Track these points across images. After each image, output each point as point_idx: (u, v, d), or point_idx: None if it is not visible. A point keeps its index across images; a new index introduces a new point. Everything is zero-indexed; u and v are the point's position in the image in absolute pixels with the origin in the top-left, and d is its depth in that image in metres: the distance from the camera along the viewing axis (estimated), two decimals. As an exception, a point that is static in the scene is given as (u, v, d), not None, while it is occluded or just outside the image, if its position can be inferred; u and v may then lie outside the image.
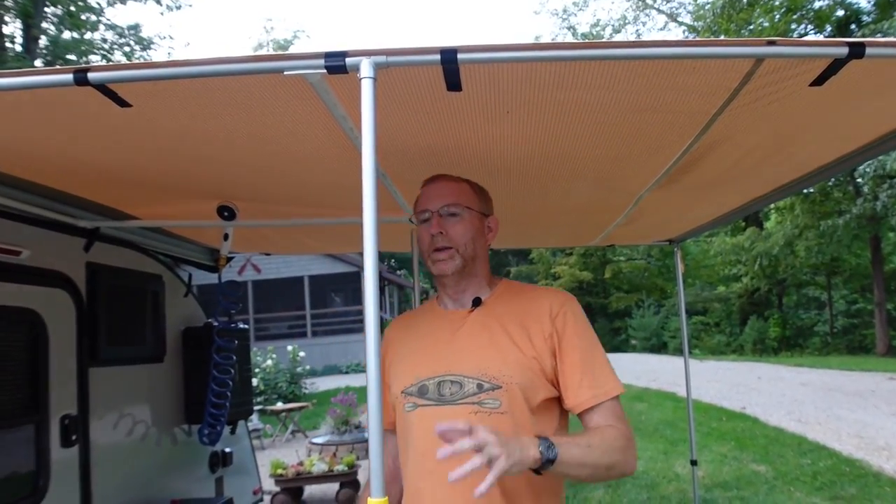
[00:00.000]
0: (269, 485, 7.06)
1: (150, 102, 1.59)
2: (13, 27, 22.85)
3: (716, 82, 1.53)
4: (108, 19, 27.03)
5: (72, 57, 23.58)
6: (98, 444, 2.87)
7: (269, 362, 15.14)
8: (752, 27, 22.72)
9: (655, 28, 32.87)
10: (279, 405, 12.57)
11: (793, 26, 22.40)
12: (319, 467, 7.17)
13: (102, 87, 1.43)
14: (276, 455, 8.72)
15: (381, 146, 2.00)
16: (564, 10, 35.82)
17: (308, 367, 16.90)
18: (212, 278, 3.74)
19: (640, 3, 32.17)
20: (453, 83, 1.43)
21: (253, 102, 1.62)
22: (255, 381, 14.20)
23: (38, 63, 22.20)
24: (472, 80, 1.47)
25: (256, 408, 12.22)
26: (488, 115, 1.72)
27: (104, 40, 26.13)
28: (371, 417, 1.21)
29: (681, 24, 30.92)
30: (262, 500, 4.62)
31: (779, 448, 8.54)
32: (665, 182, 2.51)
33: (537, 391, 1.66)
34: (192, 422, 3.64)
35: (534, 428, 1.62)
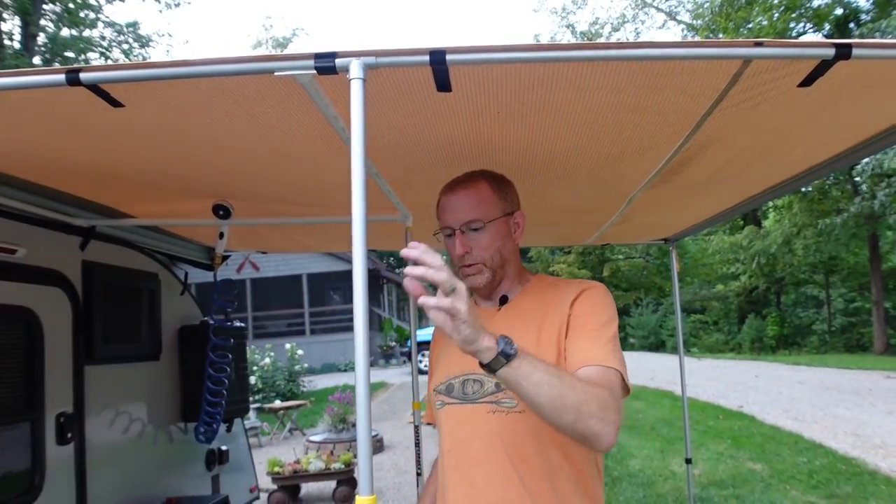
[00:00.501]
0: (266, 483, 7.08)
1: (143, 102, 1.60)
2: (11, 24, 22.86)
3: (704, 83, 1.54)
4: (107, 16, 27.01)
5: (70, 54, 23.60)
6: (94, 442, 2.87)
7: (268, 360, 15.14)
8: (750, 25, 22.74)
9: (654, 26, 32.97)
10: (277, 403, 12.58)
11: (791, 25, 22.41)
12: (316, 465, 7.18)
13: (94, 88, 1.44)
14: (273, 453, 8.73)
15: (374, 146, 2.02)
16: (563, 9, 35.80)
17: (306, 366, 16.91)
18: (209, 276, 3.75)
19: (640, 1, 32.19)
20: (443, 84, 1.44)
21: (246, 102, 1.62)
22: (253, 380, 14.22)
23: (36, 60, 22.20)
24: (461, 81, 1.48)
25: (254, 406, 12.24)
26: (479, 115, 1.73)
27: (103, 38, 26.15)
28: (359, 415, 1.22)
29: (680, 22, 30.95)
30: (258, 497, 4.63)
31: (775, 446, 8.56)
32: (658, 181, 2.52)
33: None
34: (188, 420, 3.64)
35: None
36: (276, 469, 7.18)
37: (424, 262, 1.19)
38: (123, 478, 3.12)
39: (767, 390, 13.53)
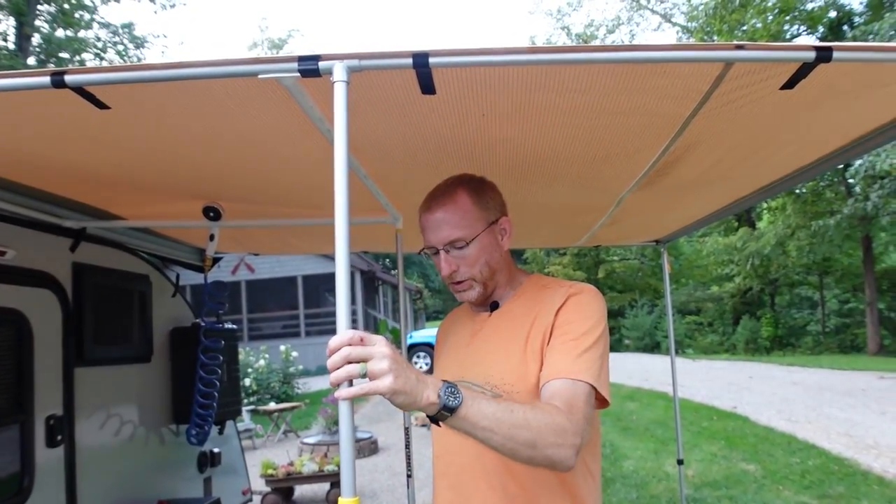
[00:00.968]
0: (259, 485, 7.07)
1: (129, 104, 1.60)
2: (6, 25, 22.83)
3: (688, 85, 1.54)
4: (102, 17, 27.01)
5: (65, 55, 23.58)
6: (84, 444, 2.87)
7: (262, 362, 15.11)
8: (745, 28, 22.81)
9: (650, 29, 33.03)
10: (271, 405, 12.55)
11: (785, 27, 22.49)
12: (310, 467, 7.17)
13: (80, 90, 1.44)
14: (267, 455, 8.72)
15: (362, 148, 2.03)
16: (559, 11, 35.92)
17: (301, 367, 16.88)
18: (202, 278, 3.75)
19: (635, 3, 32.26)
20: (427, 86, 1.45)
21: (233, 105, 1.63)
22: (247, 382, 14.18)
23: (31, 61, 22.16)
24: (446, 84, 1.48)
25: (248, 408, 12.21)
26: (465, 117, 1.73)
27: (98, 38, 26.11)
28: (342, 420, 1.22)
29: (675, 24, 31.03)
30: (251, 500, 4.62)
31: (768, 447, 8.58)
32: (646, 183, 2.53)
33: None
34: (179, 422, 3.64)
35: None
36: (270, 471, 7.17)
37: (333, 366, 1.19)
38: (114, 480, 3.11)
39: (761, 391, 13.56)
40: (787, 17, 22.46)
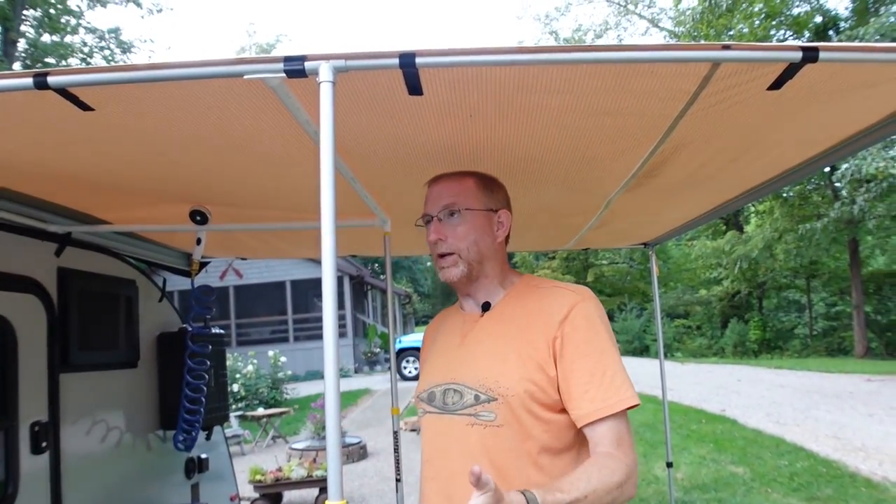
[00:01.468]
0: (248, 491, 7.03)
1: (114, 106, 1.58)
2: (-9, 30, 22.66)
3: (675, 86, 1.54)
4: (88, 22, 26.87)
5: (51, 60, 23.43)
6: (69, 451, 2.84)
7: (251, 368, 15.04)
8: (731, 33, 22.94)
9: (637, 33, 33.10)
10: (260, 411, 12.49)
11: (772, 32, 22.64)
12: (298, 473, 7.14)
13: (63, 92, 1.43)
14: (256, 461, 8.67)
15: (349, 150, 2.02)
16: (547, 15, 36.02)
17: (290, 373, 16.81)
18: (189, 283, 3.72)
19: (622, 8, 32.39)
20: (414, 87, 1.44)
21: (219, 107, 1.61)
22: (235, 387, 14.11)
23: (16, 66, 22.01)
24: (432, 84, 1.48)
25: (237, 413, 12.15)
26: (452, 118, 1.73)
27: (84, 44, 25.96)
28: (329, 423, 1.21)
29: (662, 29, 31.16)
30: (239, 505, 4.59)
31: (757, 449, 8.62)
32: (634, 185, 2.53)
33: (543, 402, 1.57)
34: (166, 427, 3.60)
35: (542, 439, 1.57)
36: (259, 477, 7.13)
37: None
38: (100, 487, 3.08)
39: (749, 394, 13.62)
40: (774, 22, 22.62)
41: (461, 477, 1.60)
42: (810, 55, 1.35)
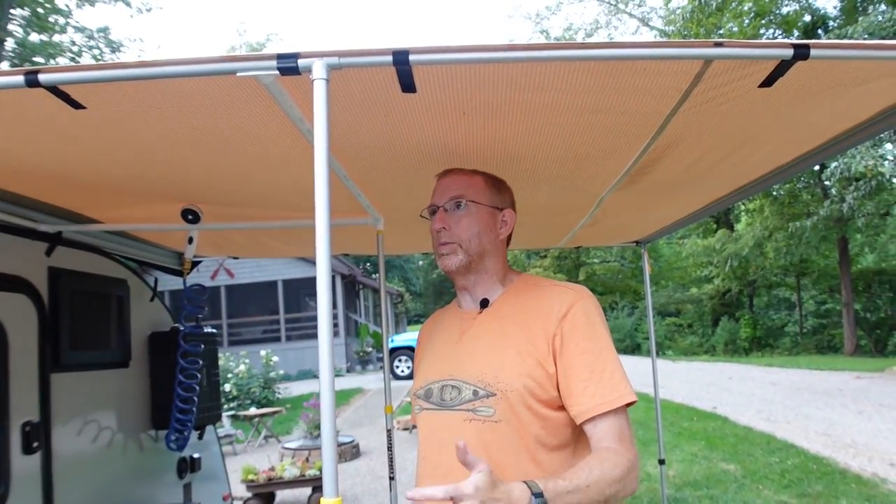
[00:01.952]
0: (240, 490, 7.01)
1: (105, 104, 1.58)
2: (-21, 30, 22.49)
3: (667, 83, 1.55)
4: (77, 21, 26.74)
5: (40, 59, 23.28)
6: (61, 451, 2.82)
7: (242, 367, 15.00)
8: (721, 31, 23.02)
9: (628, 32, 33.19)
10: (252, 410, 12.46)
11: (762, 31, 22.73)
12: (291, 472, 7.12)
13: (54, 89, 1.42)
14: (248, 460, 8.64)
15: (342, 149, 2.01)
16: (537, 14, 36.04)
17: (282, 372, 16.78)
18: (181, 283, 3.70)
19: (613, 7, 32.47)
20: (407, 85, 1.44)
21: (211, 105, 1.61)
22: (227, 387, 14.08)
23: (4, 66, 21.86)
24: (426, 82, 1.48)
25: (229, 413, 12.11)
26: (445, 116, 1.73)
27: (73, 43, 25.83)
28: (323, 422, 1.21)
29: (652, 28, 31.25)
30: (231, 505, 4.58)
31: (748, 447, 8.65)
32: (626, 183, 2.54)
33: (542, 398, 1.58)
34: (159, 427, 3.59)
35: (539, 435, 1.58)
36: (251, 476, 7.12)
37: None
38: (92, 487, 3.07)
39: (741, 391, 13.68)
40: (763, 21, 22.71)
41: (458, 473, 1.61)
42: (801, 52, 1.35)
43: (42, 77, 1.36)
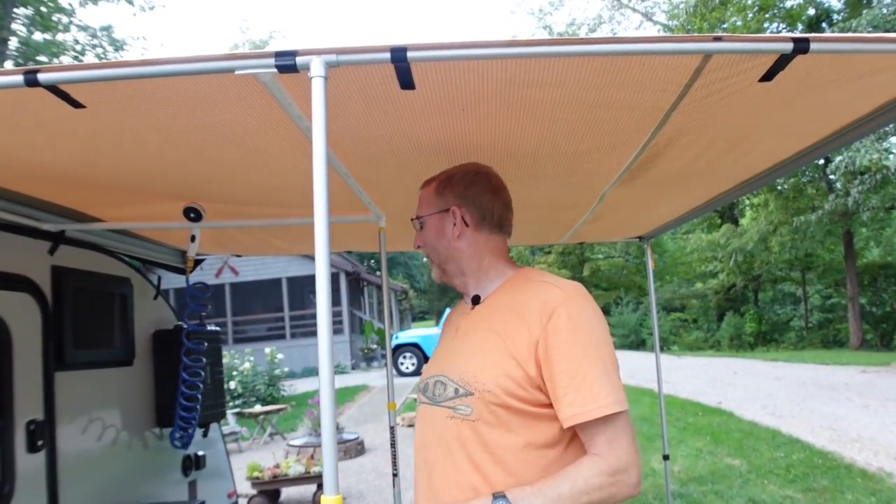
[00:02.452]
0: (245, 488, 7.03)
1: (105, 103, 1.58)
2: (-18, 30, 22.54)
3: (667, 78, 1.54)
4: (80, 20, 26.77)
5: (43, 58, 23.31)
6: (66, 449, 2.83)
7: (247, 365, 15.03)
8: (725, 26, 22.95)
9: (631, 27, 33.07)
10: (257, 408, 12.49)
11: (766, 25, 22.66)
12: (296, 469, 7.14)
13: (54, 88, 1.42)
14: (253, 458, 8.67)
15: (342, 145, 2.01)
16: (540, 10, 35.98)
17: (287, 369, 16.81)
18: (184, 281, 3.71)
19: (616, 2, 32.35)
20: (406, 81, 1.44)
21: (211, 103, 1.61)
22: (232, 384, 14.11)
23: (8, 64, 21.91)
24: (424, 79, 1.48)
25: (234, 411, 12.15)
26: (444, 112, 1.73)
27: (76, 42, 25.86)
28: (324, 418, 1.22)
29: (656, 23, 31.15)
30: (236, 502, 4.59)
31: (753, 442, 8.64)
32: (628, 178, 2.54)
33: (523, 397, 1.54)
34: (163, 425, 3.60)
35: (523, 434, 1.56)
36: (256, 474, 7.14)
37: None
38: (97, 485, 3.08)
39: (746, 386, 13.65)
40: (767, 15, 22.63)
41: (440, 467, 1.64)
42: (801, 46, 1.35)
43: (41, 77, 1.36)
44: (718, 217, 29.00)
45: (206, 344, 3.60)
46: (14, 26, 22.85)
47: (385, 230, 3.09)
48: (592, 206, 3.10)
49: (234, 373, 14.61)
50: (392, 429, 3.17)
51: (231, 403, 13.79)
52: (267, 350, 16.04)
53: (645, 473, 7.50)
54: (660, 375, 4.74)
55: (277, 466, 7.24)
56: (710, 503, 6.39)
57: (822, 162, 20.68)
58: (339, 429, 9.76)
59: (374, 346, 25.06)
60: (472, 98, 1.63)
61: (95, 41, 26.18)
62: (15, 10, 22.68)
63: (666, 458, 4.70)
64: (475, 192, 1.78)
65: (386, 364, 3.33)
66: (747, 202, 28.04)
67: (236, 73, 1.32)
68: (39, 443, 2.68)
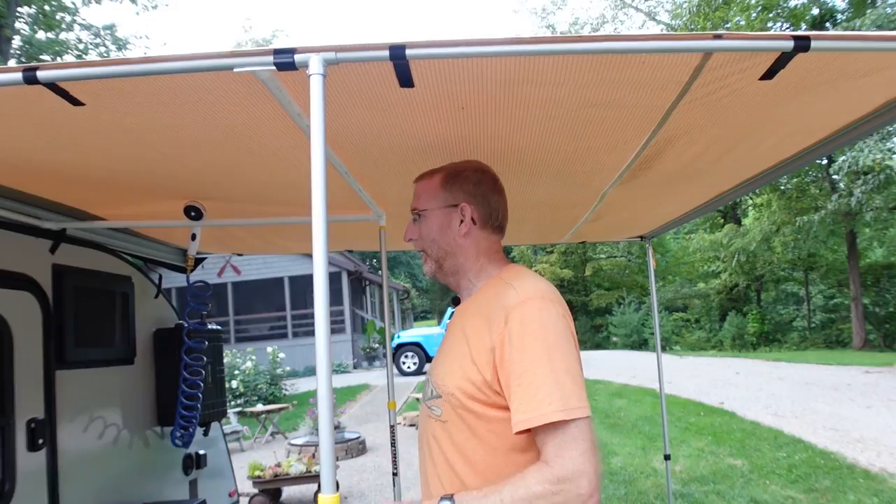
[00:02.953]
0: (247, 487, 7.03)
1: (104, 101, 1.58)
2: (-14, 28, 22.57)
3: (667, 77, 1.54)
4: (83, 19, 26.76)
5: (46, 57, 23.35)
6: (66, 447, 2.83)
7: (249, 364, 15.04)
8: (728, 25, 22.93)
9: (634, 27, 33.04)
10: (259, 407, 12.50)
11: (769, 24, 22.63)
12: (297, 468, 7.14)
13: (53, 86, 1.42)
14: (255, 457, 8.68)
15: (342, 144, 2.01)
16: (543, 9, 35.90)
17: (288, 369, 16.82)
18: (185, 280, 3.71)
19: (619, 1, 32.32)
20: (405, 79, 1.44)
21: (211, 101, 1.61)
22: (234, 383, 14.12)
23: (11, 63, 21.94)
24: (424, 77, 1.47)
25: (236, 410, 12.15)
26: (444, 110, 1.72)
27: (79, 40, 25.89)
28: (321, 418, 1.21)
29: (659, 22, 31.10)
30: (238, 501, 4.59)
31: (755, 442, 8.62)
32: (629, 177, 2.53)
33: (484, 400, 1.53)
34: (164, 424, 3.60)
35: (488, 439, 1.54)
36: (257, 472, 7.14)
37: None
38: (97, 484, 3.08)
39: (748, 386, 13.63)
40: (771, 14, 22.60)
41: (428, 461, 1.70)
42: (802, 44, 1.34)
43: (40, 74, 1.36)
44: (721, 217, 28.97)
45: (206, 343, 3.60)
46: (17, 25, 22.88)
47: (385, 229, 3.09)
48: (593, 205, 3.09)
49: (236, 372, 14.63)
50: (392, 428, 3.17)
51: (233, 402, 13.81)
52: (269, 349, 16.06)
53: (646, 473, 7.50)
54: (661, 375, 4.73)
55: (279, 465, 7.24)
56: (712, 503, 6.38)
57: (826, 162, 20.66)
58: (340, 428, 9.79)
59: (376, 345, 25.06)
60: (472, 96, 1.62)
61: (98, 40, 26.21)
62: (18, 8, 22.71)
63: (667, 457, 4.69)
64: (484, 191, 1.78)
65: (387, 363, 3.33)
66: (750, 202, 28.02)
67: (235, 70, 1.32)
68: (40, 441, 2.68)
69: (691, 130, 1.99)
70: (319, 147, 1.26)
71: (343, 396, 15.48)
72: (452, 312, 2.04)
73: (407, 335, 21.43)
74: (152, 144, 2.00)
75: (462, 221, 1.74)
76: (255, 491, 7.18)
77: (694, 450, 8.44)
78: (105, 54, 25.93)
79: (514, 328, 1.50)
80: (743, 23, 22.51)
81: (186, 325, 3.53)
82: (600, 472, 1.40)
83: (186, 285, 3.49)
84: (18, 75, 1.36)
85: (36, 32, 23.95)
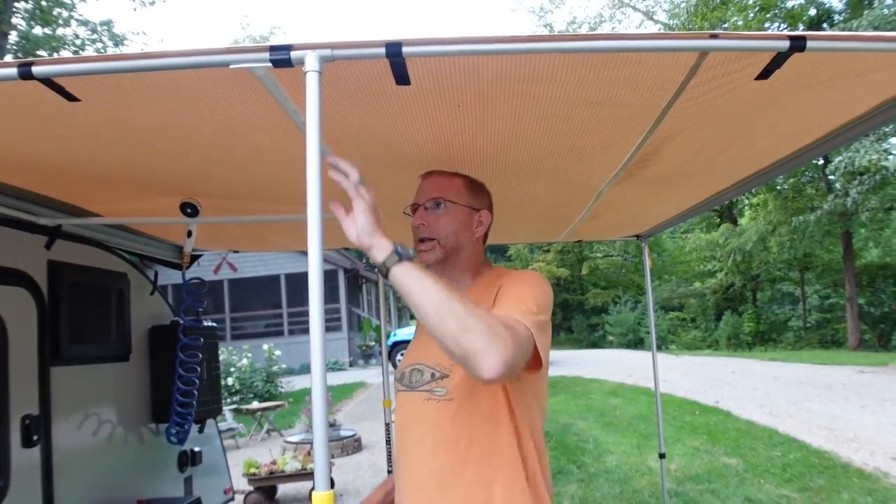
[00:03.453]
0: (242, 484, 7.03)
1: (100, 97, 1.57)
2: (-18, 24, 22.49)
3: (663, 76, 1.54)
4: (80, 14, 26.62)
5: (43, 53, 23.27)
6: (61, 444, 2.83)
7: (245, 361, 15.03)
8: (726, 25, 22.95)
9: (632, 26, 33.02)
10: (254, 404, 12.48)
11: (766, 25, 22.66)
12: (293, 466, 7.14)
13: (48, 81, 1.42)
14: (250, 454, 8.67)
15: (337, 141, 2.01)
16: (541, 8, 35.84)
17: (284, 366, 16.81)
18: (181, 276, 3.70)
19: (617, 1, 32.30)
20: (401, 77, 1.44)
21: (207, 97, 1.61)
22: (230, 381, 14.11)
23: (8, 59, 21.85)
24: (420, 74, 1.47)
25: (231, 407, 12.13)
26: (440, 108, 1.72)
27: (76, 36, 25.80)
28: (315, 414, 1.21)
29: (657, 22, 31.10)
30: (233, 499, 4.59)
31: (750, 441, 8.64)
32: (624, 176, 2.53)
33: None
34: (159, 421, 3.60)
35: (489, 412, 1.67)
36: (253, 470, 7.14)
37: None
38: (92, 480, 3.08)
39: (743, 386, 13.66)
40: (768, 15, 22.63)
41: (418, 447, 1.73)
42: (798, 44, 1.35)
43: (36, 69, 1.36)
44: (717, 216, 29.01)
45: (202, 339, 3.60)
46: (14, 20, 22.81)
47: (381, 227, 3.08)
48: (589, 203, 3.09)
49: (232, 369, 14.61)
50: (388, 426, 3.17)
51: (229, 400, 13.79)
52: (265, 346, 16.05)
53: (641, 472, 7.51)
54: (656, 374, 4.74)
55: (274, 463, 7.24)
56: (707, 502, 6.39)
57: (822, 162, 20.70)
58: (336, 425, 9.78)
59: (373, 343, 25.05)
60: (468, 94, 1.62)
61: (95, 36, 26.11)
62: (15, 3, 22.64)
63: (662, 456, 4.70)
64: (492, 210, 1.97)
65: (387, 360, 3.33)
66: (746, 202, 28.08)
67: (231, 67, 1.32)
68: (35, 438, 2.68)
69: (687, 129, 1.99)
70: (314, 144, 1.26)
71: (339, 394, 15.48)
72: None
73: (402, 333, 21.42)
74: (148, 141, 1.99)
75: (478, 226, 1.89)
76: (251, 488, 7.17)
77: (689, 448, 8.46)
78: (102, 50, 25.84)
79: (513, 277, 1.74)
80: (740, 23, 22.54)
81: (182, 321, 3.52)
82: (510, 366, 1.36)
83: (182, 282, 3.49)
84: (14, 70, 1.36)
85: (33, 28, 23.86)
